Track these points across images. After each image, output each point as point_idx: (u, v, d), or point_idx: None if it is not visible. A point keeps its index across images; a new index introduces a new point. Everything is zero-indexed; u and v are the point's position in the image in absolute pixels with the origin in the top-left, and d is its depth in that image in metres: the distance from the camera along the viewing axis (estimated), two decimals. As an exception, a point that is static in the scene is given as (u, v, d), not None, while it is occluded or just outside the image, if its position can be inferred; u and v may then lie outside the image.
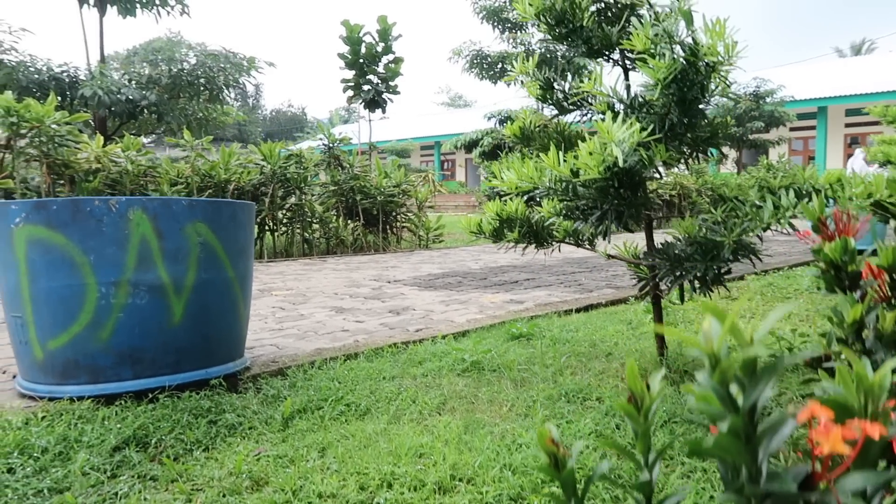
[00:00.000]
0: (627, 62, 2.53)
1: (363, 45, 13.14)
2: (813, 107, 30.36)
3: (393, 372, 3.00)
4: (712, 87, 2.02)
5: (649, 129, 1.98)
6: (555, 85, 2.62)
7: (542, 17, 2.48)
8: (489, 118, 19.04)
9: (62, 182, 7.47)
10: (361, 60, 13.24)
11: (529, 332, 3.73)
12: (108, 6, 10.61)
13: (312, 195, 9.37)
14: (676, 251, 2.21)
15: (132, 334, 2.55)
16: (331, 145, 9.78)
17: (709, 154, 2.61)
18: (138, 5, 10.94)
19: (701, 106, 2.10)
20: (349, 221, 10.03)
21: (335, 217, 9.70)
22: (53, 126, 6.95)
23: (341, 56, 13.24)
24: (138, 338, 2.56)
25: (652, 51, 1.97)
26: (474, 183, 36.61)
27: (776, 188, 2.67)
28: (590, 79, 2.31)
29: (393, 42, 13.12)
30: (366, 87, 13.42)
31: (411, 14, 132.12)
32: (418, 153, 44.55)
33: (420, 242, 10.62)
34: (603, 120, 2.28)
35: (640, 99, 2.12)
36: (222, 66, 9.75)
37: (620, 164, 1.81)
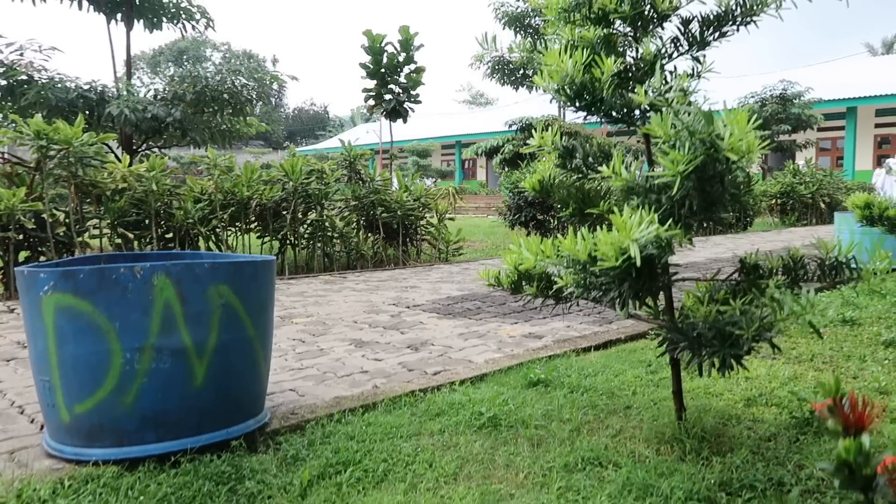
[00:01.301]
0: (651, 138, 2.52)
1: (385, 54, 13.18)
2: (842, 107, 29.83)
3: (410, 429, 3.02)
4: (733, 178, 2.01)
5: (668, 223, 1.97)
6: (575, 154, 2.62)
7: (562, 90, 2.48)
8: (510, 125, 19.00)
9: (89, 201, 7.60)
10: (383, 70, 13.28)
11: (547, 378, 3.74)
12: (136, 21, 10.77)
13: (333, 210, 9.43)
14: (696, 332, 2.20)
15: (155, 398, 2.61)
16: (352, 160, 9.82)
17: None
18: (164, 19, 11.09)
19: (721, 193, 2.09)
20: (369, 234, 10.08)
21: (355, 231, 9.76)
22: (81, 147, 7.07)
23: (363, 66, 13.30)
24: (161, 402, 2.62)
25: (672, 141, 1.96)
26: (495, 183, 36.53)
27: (798, 258, 2.64)
28: (609, 163, 2.31)
29: (414, 52, 13.14)
30: (387, 97, 13.46)
31: (433, 12, 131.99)
32: (439, 153, 44.58)
33: (440, 255, 10.65)
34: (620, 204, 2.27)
35: (659, 184, 2.12)
36: (245, 81, 9.84)
37: (638, 263, 1.81)
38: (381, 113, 13.38)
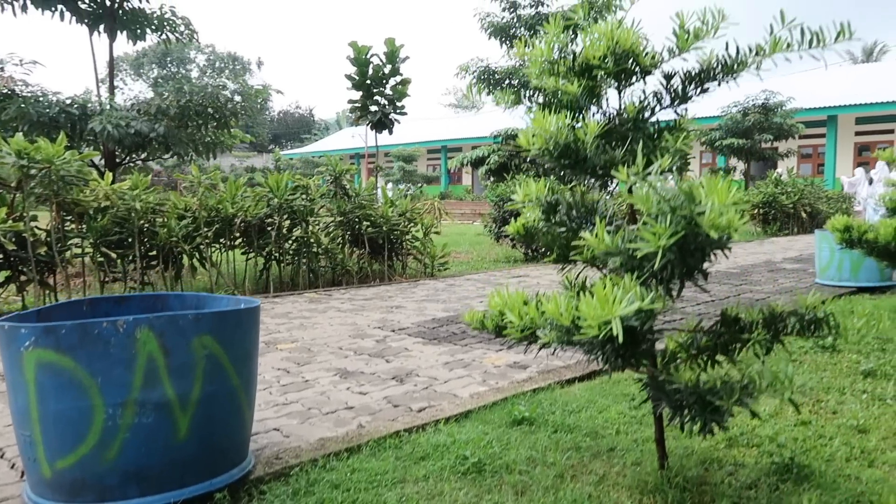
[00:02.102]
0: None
1: (370, 66, 13.17)
2: (823, 115, 30.21)
3: (395, 475, 3.03)
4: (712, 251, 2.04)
5: (651, 292, 2.00)
6: (558, 209, 2.64)
7: (546, 151, 2.50)
8: (495, 137, 19.05)
9: (71, 219, 7.53)
10: (369, 82, 13.28)
11: (532, 416, 3.75)
12: (119, 32, 10.68)
13: (318, 226, 9.40)
14: (678, 397, 2.23)
15: (138, 453, 2.59)
16: (337, 175, 9.81)
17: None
18: (148, 30, 11.00)
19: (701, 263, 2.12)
20: (355, 249, 10.06)
21: (340, 247, 9.74)
22: (63, 166, 7.00)
23: (349, 77, 13.28)
24: (144, 456, 2.60)
25: (654, 214, 1.99)
26: (480, 189, 36.59)
27: (778, 313, 2.68)
28: (591, 219, 2.33)
29: (400, 64, 13.15)
30: (373, 109, 13.46)
31: (420, 14, 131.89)
32: (425, 158, 44.59)
33: (426, 270, 10.65)
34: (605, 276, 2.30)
35: (640, 252, 2.14)
36: (230, 97, 9.79)
37: (620, 340, 1.83)
38: (367, 125, 13.37)
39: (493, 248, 14.16)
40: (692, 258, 2.01)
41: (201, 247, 8.41)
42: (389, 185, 30.27)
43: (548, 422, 3.71)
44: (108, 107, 8.91)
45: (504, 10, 16.79)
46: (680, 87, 2.80)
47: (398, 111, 13.52)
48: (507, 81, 16.95)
